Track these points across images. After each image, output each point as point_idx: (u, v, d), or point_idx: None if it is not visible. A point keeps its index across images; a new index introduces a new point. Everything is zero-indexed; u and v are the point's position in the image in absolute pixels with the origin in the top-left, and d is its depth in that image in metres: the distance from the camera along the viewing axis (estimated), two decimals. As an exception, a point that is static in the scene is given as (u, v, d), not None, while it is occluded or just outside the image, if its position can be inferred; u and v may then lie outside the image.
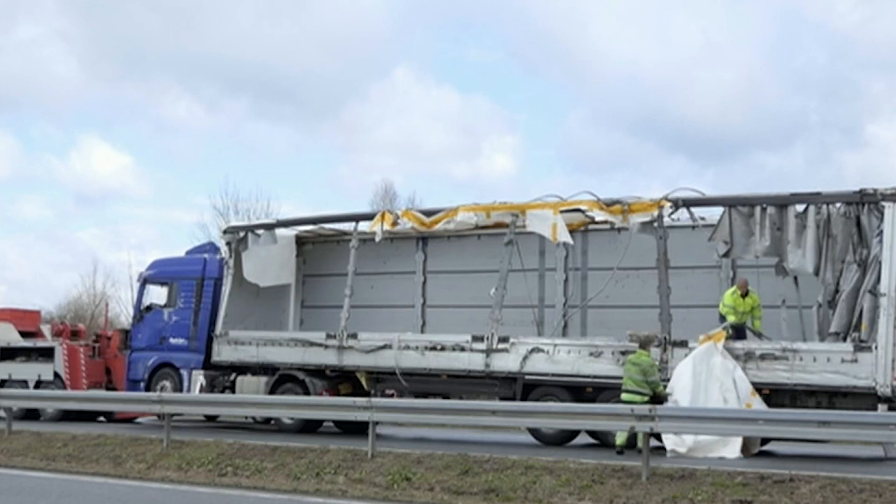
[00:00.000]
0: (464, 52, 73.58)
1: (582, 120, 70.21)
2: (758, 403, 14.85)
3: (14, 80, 65.38)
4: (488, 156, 67.30)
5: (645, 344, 15.68)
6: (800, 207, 15.68)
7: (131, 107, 69.10)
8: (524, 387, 17.14)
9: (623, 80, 64.79)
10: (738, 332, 16.15)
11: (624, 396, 15.09)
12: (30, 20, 67.97)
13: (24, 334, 25.69)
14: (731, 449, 14.65)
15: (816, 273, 15.51)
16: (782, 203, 15.79)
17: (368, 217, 20.02)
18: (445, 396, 18.77)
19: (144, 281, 22.80)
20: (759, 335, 16.12)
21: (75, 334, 25.94)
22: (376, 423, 14.83)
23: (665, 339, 15.99)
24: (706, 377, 15.08)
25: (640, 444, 13.25)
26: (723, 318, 16.15)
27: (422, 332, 20.04)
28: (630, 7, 66.98)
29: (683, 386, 15.17)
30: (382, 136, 63.90)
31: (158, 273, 22.68)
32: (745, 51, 65.24)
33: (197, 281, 21.83)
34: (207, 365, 21.07)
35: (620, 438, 14.75)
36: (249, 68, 62.23)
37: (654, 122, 64.63)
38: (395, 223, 19.26)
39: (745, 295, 16.17)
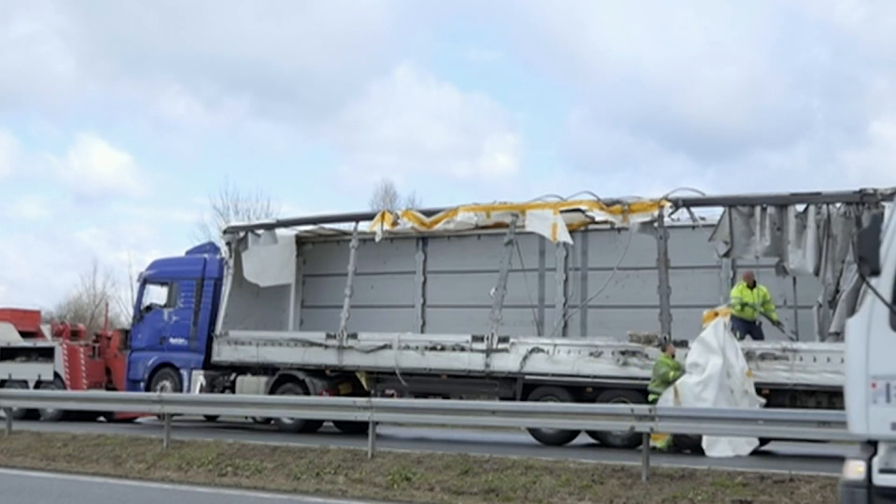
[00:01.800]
0: (464, 50, 73.63)
1: (583, 119, 70.23)
2: (748, 384, 15.01)
3: (11, 78, 65.30)
4: (489, 155, 67.35)
5: (664, 346, 15.87)
6: (800, 207, 15.70)
7: (130, 105, 69.09)
8: (524, 387, 17.14)
9: (624, 78, 64.79)
10: (751, 331, 16.15)
11: None
12: (27, 17, 67.85)
13: (24, 334, 25.70)
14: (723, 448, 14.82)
15: (817, 273, 15.52)
16: (782, 203, 15.80)
17: (368, 217, 20.03)
18: (445, 396, 18.78)
19: (144, 281, 22.81)
20: (777, 324, 16.18)
21: (75, 334, 25.95)
22: (376, 423, 14.83)
23: (665, 338, 16.00)
24: (716, 355, 15.13)
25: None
26: (735, 319, 16.19)
27: (422, 332, 20.04)
28: (631, 5, 67.06)
29: (693, 364, 15.22)
30: (383, 134, 63.93)
31: (158, 273, 22.69)
32: (747, 49, 65.23)
33: (197, 281, 21.84)
34: (207, 365, 21.07)
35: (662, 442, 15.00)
36: (249, 67, 62.24)
37: (656, 120, 64.65)
38: (395, 223, 19.27)
39: (752, 286, 16.19)
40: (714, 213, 16.85)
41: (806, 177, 61.06)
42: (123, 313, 42.72)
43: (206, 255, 22.58)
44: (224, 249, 22.01)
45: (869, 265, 6.97)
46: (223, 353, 20.76)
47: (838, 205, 15.39)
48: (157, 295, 22.68)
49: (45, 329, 26.77)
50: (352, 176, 64.76)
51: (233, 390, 20.34)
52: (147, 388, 21.39)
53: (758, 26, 65.13)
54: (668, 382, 15.37)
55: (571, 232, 17.75)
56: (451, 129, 67.12)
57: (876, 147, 62.53)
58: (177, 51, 63.81)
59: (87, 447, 17.01)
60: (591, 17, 68.93)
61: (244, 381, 20.36)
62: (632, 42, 65.80)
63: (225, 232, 22.31)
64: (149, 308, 22.49)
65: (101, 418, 23.49)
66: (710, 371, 14.98)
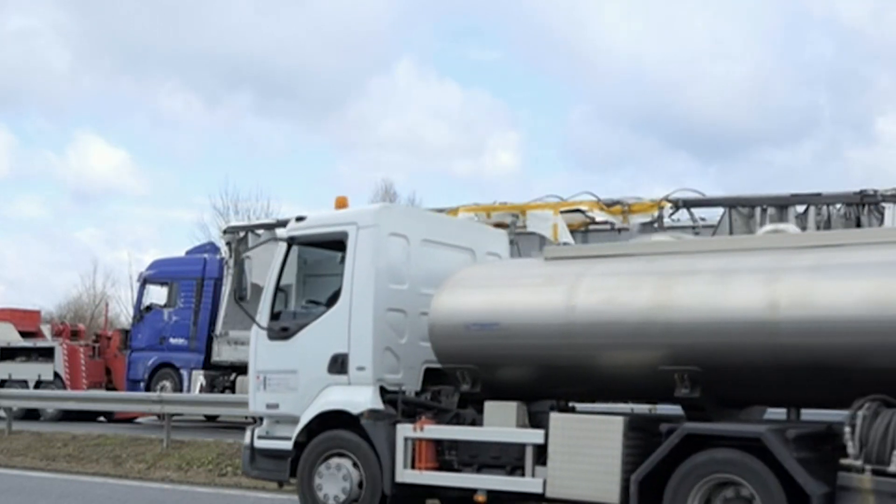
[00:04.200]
0: (465, 47, 73.57)
1: (585, 116, 70.06)
2: None
3: (7, 74, 64.95)
4: (491, 152, 67.15)
5: None
6: (800, 208, 15.70)
7: (128, 102, 68.87)
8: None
9: (626, 75, 64.54)
10: None
11: None
12: (23, 13, 67.46)
13: (24, 334, 25.74)
14: None
15: (816, 274, 15.51)
16: (782, 204, 15.80)
17: (369, 217, 20.01)
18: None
19: (144, 281, 22.84)
20: None
21: (75, 334, 25.98)
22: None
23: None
24: None
25: None
26: None
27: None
28: (633, 2, 66.82)
29: None
30: (383, 132, 63.72)
31: (158, 273, 22.70)
32: (751, 45, 64.96)
33: (197, 281, 21.84)
34: (207, 365, 21.06)
35: None
36: (248, 63, 61.95)
37: (658, 118, 64.37)
38: (395, 223, 19.26)
39: None
40: (714, 214, 16.85)
41: (811, 175, 60.69)
42: (123, 313, 42.77)
43: (206, 255, 22.59)
44: (224, 249, 22.00)
45: (238, 293, 10.90)
46: (223, 353, 20.73)
47: (838, 206, 15.40)
48: (157, 295, 22.70)
49: (45, 329, 26.81)
50: (352, 174, 64.60)
51: (233, 390, 20.32)
52: (147, 388, 21.39)
53: (761, 23, 64.91)
54: None
55: (571, 232, 17.73)
56: (453, 126, 67.04)
57: (882, 144, 62.34)
58: (175, 46, 63.59)
59: (87, 447, 17.03)
60: (592, 14, 68.87)
61: (244, 381, 20.33)
62: (634, 39, 65.63)
63: (225, 232, 22.28)
64: (149, 308, 22.51)
65: (101, 418, 23.50)
66: None
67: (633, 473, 7.96)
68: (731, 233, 16.04)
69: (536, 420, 8.91)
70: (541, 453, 8.58)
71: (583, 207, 17.33)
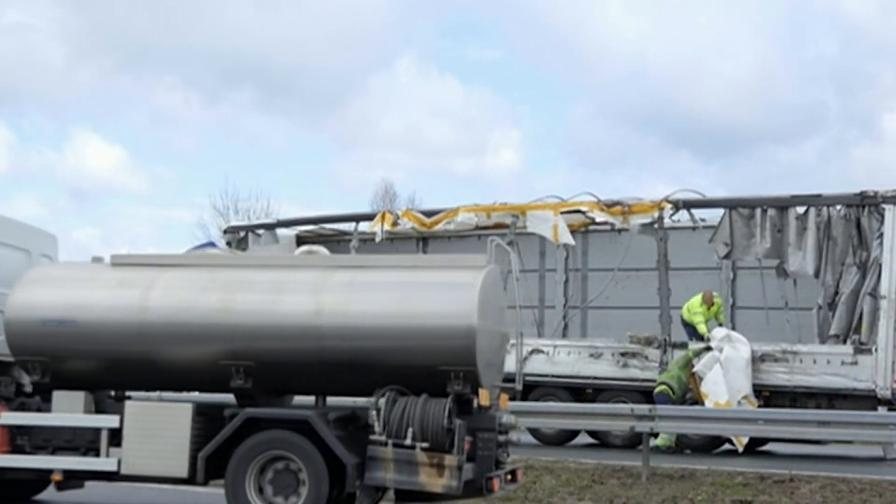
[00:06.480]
0: (466, 45, 73.36)
1: (586, 114, 69.86)
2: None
3: (3, 71, 64.54)
4: (492, 151, 66.91)
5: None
6: (800, 209, 15.74)
7: (126, 99, 68.30)
8: (524, 387, 17.13)
9: (628, 73, 64.29)
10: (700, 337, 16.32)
11: None
12: (18, 8, 67.00)
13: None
14: None
15: (817, 275, 15.57)
16: (783, 205, 15.85)
17: (369, 217, 20.04)
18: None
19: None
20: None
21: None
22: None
23: (665, 340, 16.06)
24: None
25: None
26: (687, 326, 16.38)
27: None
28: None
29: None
30: (384, 130, 63.52)
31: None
32: (754, 43, 64.71)
33: (197, 280, 21.85)
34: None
35: (662, 441, 14.82)
36: (248, 60, 61.62)
37: (660, 116, 64.09)
38: (395, 223, 19.29)
39: (709, 307, 16.35)
40: (714, 215, 16.89)
41: (815, 173, 60.48)
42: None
43: (206, 255, 22.58)
44: (224, 249, 22.01)
45: None
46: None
47: (838, 207, 15.45)
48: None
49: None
50: (352, 173, 64.47)
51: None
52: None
53: (765, 20, 64.57)
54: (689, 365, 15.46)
55: (572, 232, 17.76)
56: (453, 125, 66.91)
57: (887, 141, 62.04)
58: (174, 43, 62.97)
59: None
60: (594, 11, 68.72)
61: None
62: (636, 37, 65.34)
63: (225, 232, 22.33)
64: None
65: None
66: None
67: (201, 451, 9.12)
68: (731, 233, 16.09)
69: (101, 407, 9.82)
70: (115, 436, 9.48)
71: (583, 208, 17.36)
